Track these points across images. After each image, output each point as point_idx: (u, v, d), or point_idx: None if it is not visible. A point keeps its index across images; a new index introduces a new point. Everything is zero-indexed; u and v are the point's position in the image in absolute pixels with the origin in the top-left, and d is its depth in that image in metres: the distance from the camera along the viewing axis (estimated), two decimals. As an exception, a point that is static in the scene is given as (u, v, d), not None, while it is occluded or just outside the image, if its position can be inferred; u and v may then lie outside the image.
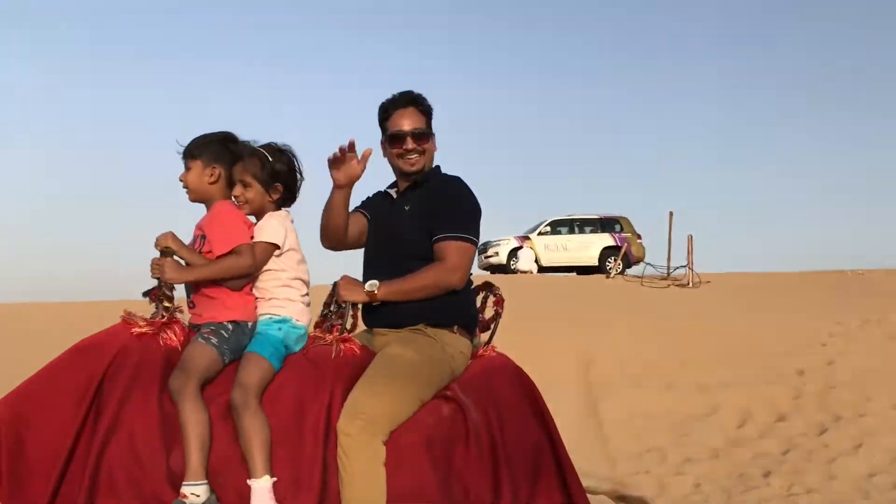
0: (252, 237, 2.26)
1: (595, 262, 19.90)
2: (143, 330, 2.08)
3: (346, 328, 2.34)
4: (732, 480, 6.93)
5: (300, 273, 2.34)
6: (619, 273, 19.15)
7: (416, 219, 2.44)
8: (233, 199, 2.31)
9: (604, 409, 10.50)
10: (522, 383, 2.41)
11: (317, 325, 2.35)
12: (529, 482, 2.25)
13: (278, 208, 2.36)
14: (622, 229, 20.21)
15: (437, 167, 2.59)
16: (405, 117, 2.48)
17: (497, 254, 20.10)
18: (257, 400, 2.03)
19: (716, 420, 9.29)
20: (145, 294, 2.18)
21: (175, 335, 2.12)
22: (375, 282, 2.33)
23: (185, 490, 1.89)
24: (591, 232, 20.32)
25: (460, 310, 2.42)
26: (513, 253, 19.97)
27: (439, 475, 2.11)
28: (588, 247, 20.01)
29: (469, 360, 2.40)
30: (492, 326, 2.56)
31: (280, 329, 2.21)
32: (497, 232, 21.19)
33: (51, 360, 2.04)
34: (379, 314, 2.41)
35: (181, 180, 2.30)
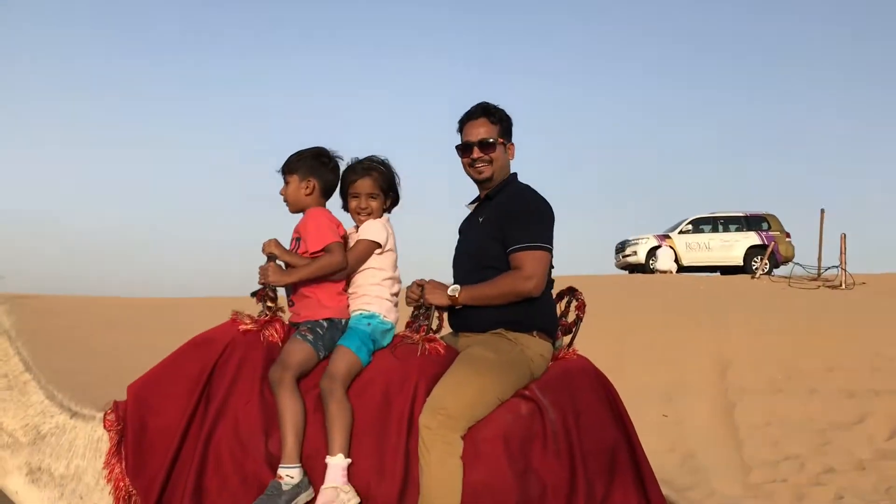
0: (342, 236, 2.46)
1: (740, 262, 18.97)
2: (249, 327, 2.32)
3: (431, 329, 2.49)
4: (879, 495, 6.49)
5: (394, 273, 2.52)
6: (765, 273, 18.21)
7: (488, 229, 2.54)
8: (357, 209, 2.53)
9: (739, 413, 10.08)
10: (602, 385, 2.46)
11: (407, 325, 2.52)
12: (605, 481, 2.29)
13: (380, 214, 2.57)
14: (769, 227, 19.13)
15: (514, 176, 2.67)
16: (475, 128, 2.59)
17: (635, 253, 19.63)
18: (343, 388, 2.21)
19: (863, 429, 8.70)
20: (252, 294, 2.43)
21: (276, 332, 2.35)
22: (457, 286, 2.46)
23: (281, 472, 2.11)
24: (737, 230, 19.37)
25: (540, 315, 2.49)
26: (651, 252, 19.41)
27: (516, 470, 2.21)
28: (732, 246, 19.08)
29: (549, 362, 2.47)
30: (573, 330, 2.62)
31: (369, 324, 2.39)
32: (636, 230, 20.76)
33: (170, 353, 2.33)
34: (463, 319, 2.53)
35: (281, 194, 2.53)
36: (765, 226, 19.22)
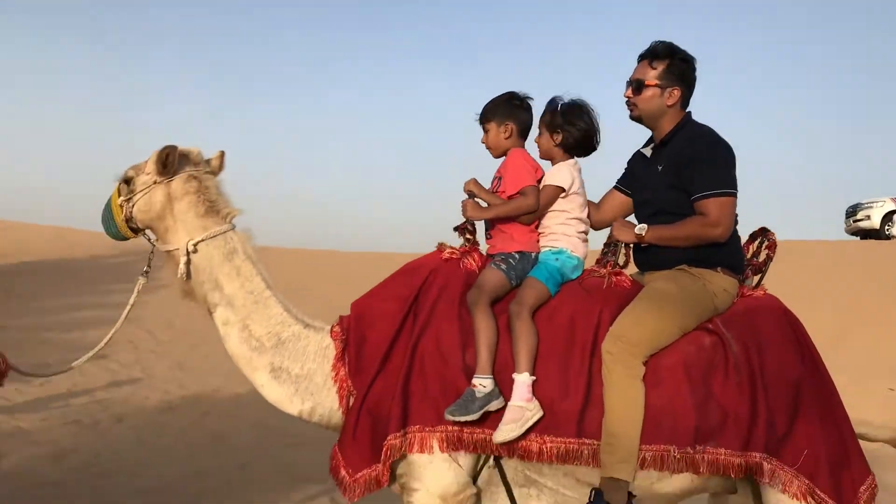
0: (540, 180, 2.64)
1: None
2: (451, 255, 2.61)
3: (618, 264, 2.62)
4: None
5: (580, 214, 2.66)
6: None
7: (668, 178, 2.59)
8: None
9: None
10: (788, 323, 2.45)
11: (596, 262, 2.67)
12: (788, 415, 2.31)
13: (571, 156, 2.70)
14: None
15: (687, 117, 2.67)
16: (637, 68, 2.66)
17: (868, 217, 17.93)
18: (529, 313, 2.42)
19: None
20: (455, 229, 2.70)
21: (474, 261, 2.61)
22: (644, 225, 2.56)
23: (475, 381, 2.37)
24: None
25: (724, 252, 2.52)
26: (888, 217, 17.67)
27: (697, 398, 2.31)
28: None
29: (734, 297, 2.50)
30: (763, 269, 2.63)
31: (557, 259, 2.56)
32: (870, 193, 18.96)
33: (386, 277, 2.68)
34: (647, 256, 2.63)
35: (483, 143, 2.74)
36: None
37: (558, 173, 2.64)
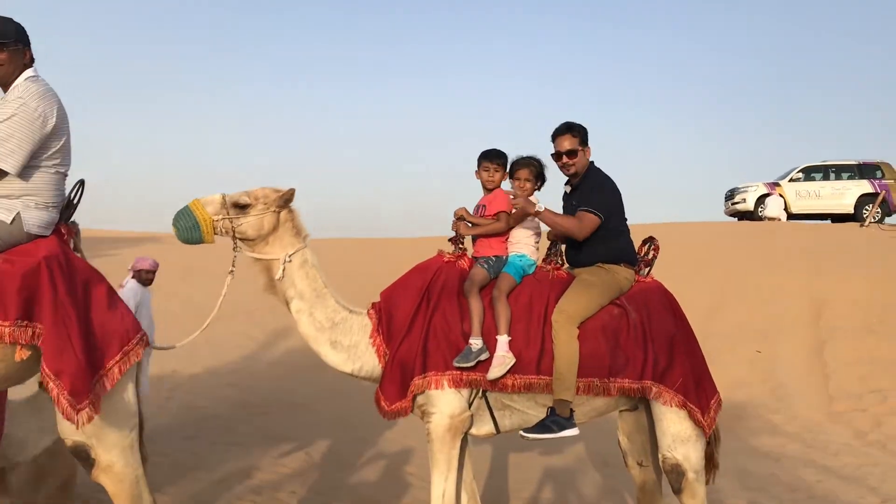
0: (511, 208, 3.90)
1: (850, 210, 19.14)
2: (450, 259, 3.89)
3: (559, 263, 3.99)
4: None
5: (537, 230, 3.98)
6: (875, 222, 18.37)
7: (577, 203, 3.95)
8: (518, 187, 3.93)
9: (830, 351, 10.92)
10: (666, 297, 3.89)
11: (543, 260, 4.01)
12: (667, 355, 3.73)
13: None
14: (883, 175, 19.03)
15: (591, 165, 3.98)
16: (561, 142, 3.96)
17: (744, 200, 20.08)
18: (505, 296, 3.72)
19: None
20: (450, 240, 3.98)
21: (465, 263, 3.90)
22: (542, 205, 3.83)
23: (471, 341, 3.63)
24: (849, 178, 19.47)
25: (624, 253, 3.93)
26: (761, 200, 19.84)
27: (609, 347, 3.68)
28: (843, 194, 19.29)
29: (632, 283, 3.91)
30: (650, 264, 4.02)
31: (521, 260, 3.87)
32: (745, 179, 20.97)
33: (405, 272, 3.92)
34: (575, 257, 4.00)
35: (486, 180, 3.98)
36: (878, 174, 19.18)
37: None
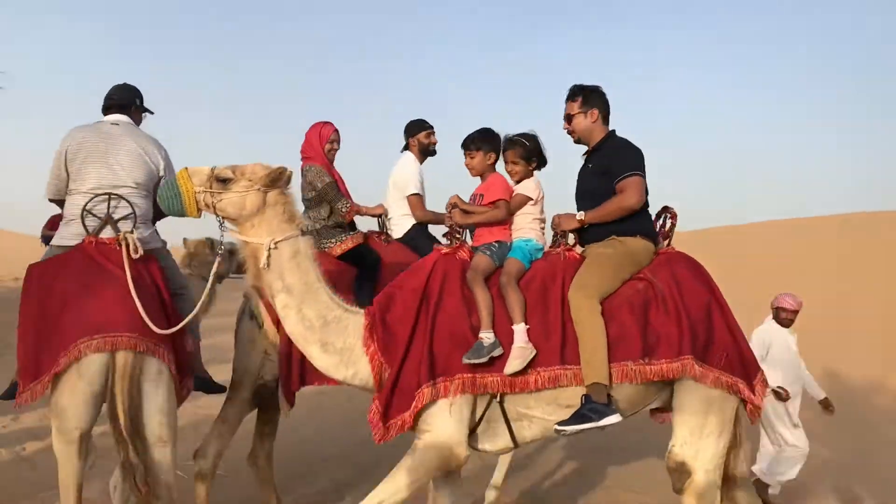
0: (511, 195, 3.56)
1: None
2: (447, 251, 3.47)
3: (568, 244, 3.58)
4: None
5: (541, 215, 3.61)
6: None
7: (596, 169, 3.63)
8: (508, 171, 3.60)
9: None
10: (694, 265, 3.47)
11: (551, 246, 3.60)
12: (705, 328, 3.29)
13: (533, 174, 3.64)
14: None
15: (611, 133, 3.69)
16: (565, 108, 3.70)
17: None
18: (515, 281, 3.32)
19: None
20: (444, 235, 3.59)
21: (465, 253, 3.49)
22: (581, 212, 3.55)
23: (481, 335, 3.20)
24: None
25: (638, 224, 3.53)
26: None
27: (639, 325, 3.24)
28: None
29: (653, 254, 3.51)
30: (670, 234, 3.63)
31: (527, 245, 3.49)
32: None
33: (396, 278, 3.51)
34: (588, 234, 3.60)
35: (467, 165, 3.65)
36: None
37: (527, 187, 3.60)
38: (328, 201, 4.38)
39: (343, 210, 4.38)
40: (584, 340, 3.19)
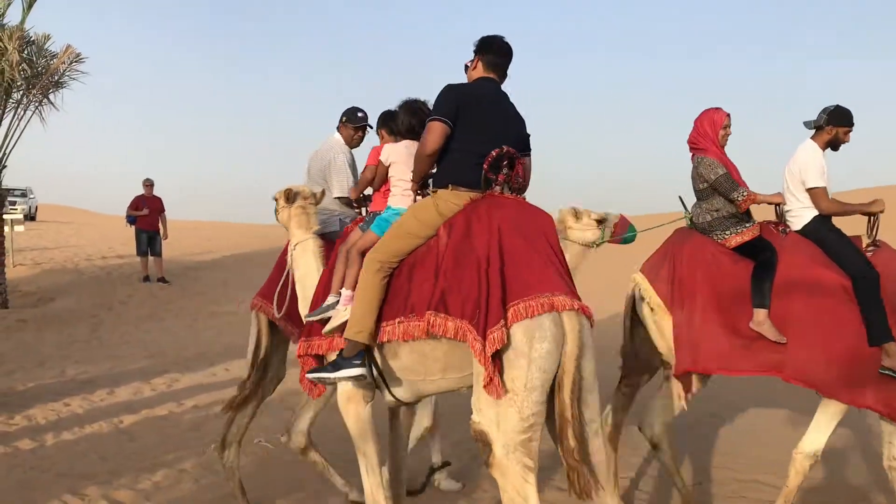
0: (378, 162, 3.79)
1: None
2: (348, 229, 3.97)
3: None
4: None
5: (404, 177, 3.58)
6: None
7: None
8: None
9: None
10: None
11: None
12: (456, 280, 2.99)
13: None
14: None
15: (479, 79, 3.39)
16: None
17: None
18: (356, 252, 3.58)
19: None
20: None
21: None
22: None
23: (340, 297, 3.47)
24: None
25: (451, 174, 3.26)
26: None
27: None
28: None
29: (459, 207, 3.20)
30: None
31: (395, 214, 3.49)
32: None
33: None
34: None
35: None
36: None
37: (384, 151, 3.74)
38: (722, 193, 4.25)
39: (739, 199, 4.20)
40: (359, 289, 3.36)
